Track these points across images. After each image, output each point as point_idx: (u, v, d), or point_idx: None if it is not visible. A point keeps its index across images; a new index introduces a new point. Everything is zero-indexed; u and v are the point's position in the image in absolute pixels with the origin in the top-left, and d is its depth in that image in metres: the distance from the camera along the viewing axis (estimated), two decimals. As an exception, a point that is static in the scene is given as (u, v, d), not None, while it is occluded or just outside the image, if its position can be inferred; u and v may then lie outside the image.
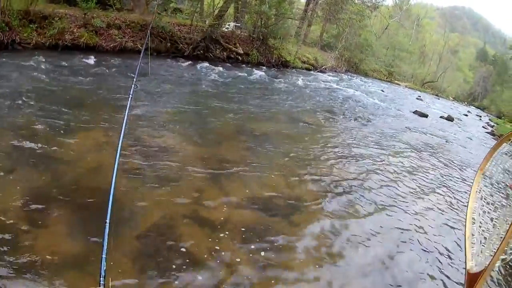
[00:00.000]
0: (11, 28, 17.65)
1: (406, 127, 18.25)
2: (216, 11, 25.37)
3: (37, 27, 18.44)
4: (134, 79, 7.22)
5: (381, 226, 6.85)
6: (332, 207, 7.10)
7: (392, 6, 71.44)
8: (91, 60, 16.72)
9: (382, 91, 35.12)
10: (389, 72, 62.11)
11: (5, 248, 4.25)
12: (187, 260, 4.70)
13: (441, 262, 6.31)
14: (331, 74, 35.79)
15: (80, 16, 19.52)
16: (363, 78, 43.77)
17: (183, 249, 4.87)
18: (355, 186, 8.43)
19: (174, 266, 4.55)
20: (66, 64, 14.91)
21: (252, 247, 5.28)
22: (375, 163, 10.60)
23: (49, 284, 3.96)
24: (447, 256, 6.56)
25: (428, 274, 5.87)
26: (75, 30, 18.92)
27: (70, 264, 4.26)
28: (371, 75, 51.45)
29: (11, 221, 4.70)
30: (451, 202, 9.44)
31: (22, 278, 3.95)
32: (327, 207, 7.06)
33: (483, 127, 33.72)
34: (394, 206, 8.04)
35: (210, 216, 5.76)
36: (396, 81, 58.21)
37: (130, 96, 6.10)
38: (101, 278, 0.96)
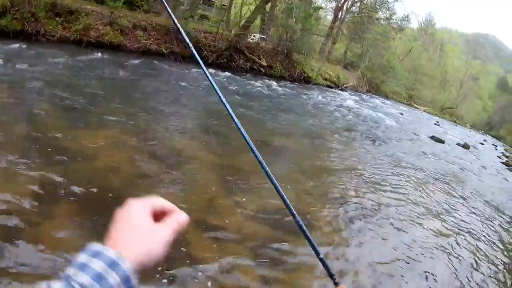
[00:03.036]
0: (36, 19, 17.56)
1: (422, 152, 18.07)
2: (243, 21, 25.26)
3: (62, 20, 18.29)
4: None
5: (381, 252, 6.62)
6: (339, 228, 6.96)
7: (417, 29, 71.54)
8: (115, 58, 16.62)
9: (401, 114, 35.03)
10: (409, 96, 61.97)
11: (12, 238, 4.18)
12: (192, 267, 4.59)
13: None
14: (352, 93, 35.70)
15: (107, 14, 19.39)
16: (383, 99, 43.78)
17: (189, 256, 4.75)
18: (365, 208, 8.24)
19: (179, 272, 4.45)
20: (89, 60, 14.87)
21: (258, 260, 5.17)
22: (388, 186, 10.38)
23: (51, 271, 3.91)
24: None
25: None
26: (100, 27, 18.76)
27: (71, 254, 4.10)
28: (391, 97, 51.35)
29: (19, 210, 4.64)
30: (458, 230, 9.23)
31: (20, 268, 3.88)
32: (336, 228, 6.93)
33: (498, 156, 33.36)
34: (401, 231, 7.85)
35: (219, 224, 5.67)
36: (415, 105, 57.92)
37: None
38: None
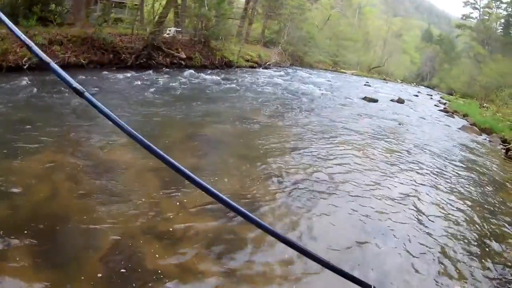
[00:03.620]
0: None
1: (357, 114, 18.41)
2: (156, 18, 25.83)
3: None
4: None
5: (338, 226, 6.62)
6: (288, 204, 7.01)
7: (332, -3, 73.32)
8: (36, 78, 16.31)
9: (329, 81, 35.94)
10: (334, 62, 63.99)
11: None
12: (152, 277, 4.50)
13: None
14: (276, 69, 36.69)
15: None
16: (308, 70, 44.48)
17: (146, 266, 4.68)
18: (312, 183, 8.19)
19: (138, 285, 4.36)
20: (11, 85, 14.51)
21: (216, 256, 5.16)
22: (330, 156, 10.39)
23: None
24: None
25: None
26: (18, 49, 18.77)
27: None
28: (316, 67, 52.99)
29: None
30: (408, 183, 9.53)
31: None
32: (284, 205, 6.95)
33: (435, 105, 34.75)
34: (351, 195, 7.96)
35: (168, 228, 5.56)
36: (342, 70, 59.91)
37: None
38: None
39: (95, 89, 15.48)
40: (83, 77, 18.03)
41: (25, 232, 4.95)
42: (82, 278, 4.30)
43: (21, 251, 4.61)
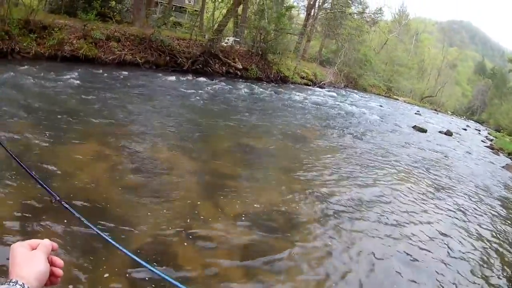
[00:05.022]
0: (10, 37, 17.61)
1: (404, 142, 17.90)
2: (216, 26, 25.36)
3: (36, 37, 18.35)
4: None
5: (375, 245, 6.50)
6: (328, 225, 6.81)
7: (391, 21, 72.06)
8: (91, 71, 16.70)
9: (381, 106, 35.03)
10: (388, 88, 62.40)
11: None
12: (180, 275, 4.55)
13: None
14: (330, 89, 35.75)
15: (80, 27, 19.45)
16: (361, 93, 43.74)
17: (176, 264, 4.75)
18: (352, 204, 8.06)
19: (165, 282, 3.89)
20: (66, 75, 14.69)
21: (249, 265, 5.09)
22: (372, 180, 10.19)
23: None
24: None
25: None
26: (74, 41, 18.84)
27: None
28: (370, 91, 51.61)
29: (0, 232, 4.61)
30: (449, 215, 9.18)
31: None
32: (323, 225, 6.77)
33: (482, 141, 33.11)
34: (392, 223, 7.72)
35: (204, 232, 5.58)
36: (394, 96, 58.40)
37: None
38: None
39: (149, 87, 15.42)
40: (138, 75, 17.99)
41: (60, 216, 4.99)
42: (110, 268, 4.34)
43: (52, 234, 4.69)
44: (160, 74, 19.62)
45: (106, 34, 19.77)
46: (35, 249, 1.10)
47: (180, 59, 22.08)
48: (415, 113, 39.27)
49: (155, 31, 20.93)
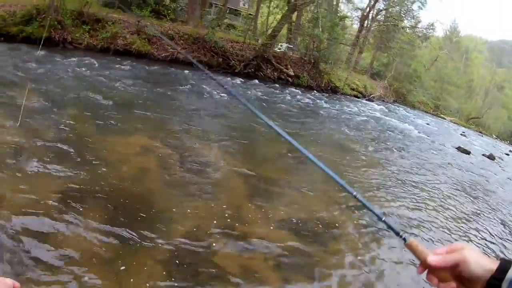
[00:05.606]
0: (63, 27, 17.75)
1: (448, 163, 17.43)
2: (270, 31, 24.93)
3: (89, 29, 18.38)
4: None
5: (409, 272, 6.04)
6: (367, 240, 6.63)
7: (442, 38, 70.39)
8: (143, 66, 16.62)
9: (428, 124, 34.24)
10: (436, 106, 60.78)
11: (37, 239, 4.24)
12: (215, 272, 4.56)
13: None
14: (378, 103, 34.93)
15: (134, 22, 19.20)
16: (409, 109, 42.72)
17: (213, 261, 4.73)
18: (392, 218, 7.99)
19: (201, 277, 4.43)
20: (118, 68, 14.94)
21: (285, 270, 5.04)
22: (413, 199, 10.01)
23: (73, 275, 3.93)
24: None
25: None
26: (127, 36, 18.62)
27: (95, 258, 4.23)
28: (418, 107, 50.24)
29: (46, 213, 4.70)
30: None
31: (49, 268, 3.92)
32: (362, 239, 6.61)
33: None
34: (429, 246, 7.10)
35: (245, 232, 5.57)
36: (441, 115, 56.70)
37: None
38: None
39: (200, 87, 15.54)
40: (189, 75, 17.91)
41: (104, 203, 5.26)
42: (149, 258, 4.44)
43: (95, 218, 4.86)
44: (213, 74, 19.06)
45: (160, 31, 19.32)
46: None
47: (233, 61, 21.54)
48: (461, 134, 38.03)
49: (209, 31, 20.46)
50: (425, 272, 1.08)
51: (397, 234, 1.17)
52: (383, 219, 1.23)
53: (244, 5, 31.80)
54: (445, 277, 1.04)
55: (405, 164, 14.03)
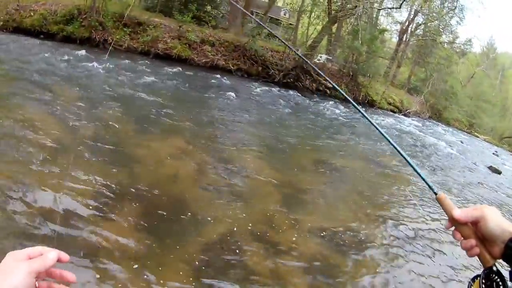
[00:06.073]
0: (104, 28, 17.98)
1: (478, 182, 16.99)
2: (309, 42, 24.67)
3: (130, 31, 18.43)
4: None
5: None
6: (395, 254, 6.51)
7: (479, 54, 69.16)
8: (183, 71, 16.61)
9: (461, 142, 33.46)
10: (470, 124, 59.55)
11: (70, 235, 4.36)
12: (244, 274, 4.63)
13: None
14: (414, 119, 34.41)
15: (175, 27, 19.07)
16: (443, 126, 41.98)
17: (242, 265, 4.81)
18: (420, 235, 7.76)
19: (229, 278, 4.46)
20: (159, 71, 15.02)
21: (314, 278, 5.04)
22: (442, 215, 9.62)
23: (105, 272, 4.01)
24: None
25: None
26: (168, 40, 18.52)
27: (126, 254, 4.34)
28: (452, 124, 49.15)
29: (79, 211, 4.83)
30: None
31: (82, 263, 4.00)
32: (390, 253, 6.53)
33: None
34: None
35: (276, 239, 5.63)
36: (475, 133, 55.40)
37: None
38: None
39: (239, 94, 15.46)
40: (229, 82, 17.79)
41: (139, 202, 5.40)
42: (179, 258, 4.50)
43: (129, 216, 5.01)
44: (251, 83, 19.11)
45: (201, 37, 19.30)
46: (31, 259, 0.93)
47: (272, 70, 21.20)
48: (493, 153, 36.91)
49: (250, 40, 20.14)
50: (452, 228, 1.17)
51: (429, 186, 1.32)
52: (418, 171, 1.40)
53: (285, 14, 31.45)
54: (468, 234, 1.12)
55: (437, 180, 13.92)
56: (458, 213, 1.13)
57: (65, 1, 19.69)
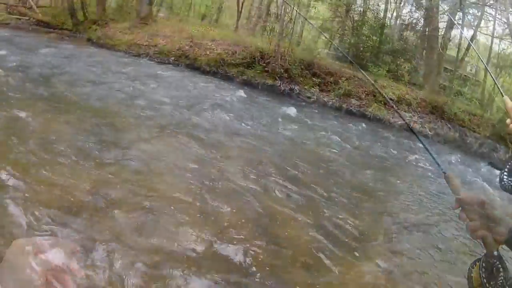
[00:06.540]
0: (290, 76, 17.21)
1: None
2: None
3: (320, 82, 17.29)
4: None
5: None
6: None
7: None
8: (376, 131, 15.31)
9: None
10: None
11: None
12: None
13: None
14: None
15: (369, 82, 17.61)
16: None
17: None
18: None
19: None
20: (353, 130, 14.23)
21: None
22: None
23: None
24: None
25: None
26: (363, 96, 17.16)
27: None
28: None
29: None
30: None
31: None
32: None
33: None
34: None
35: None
36: None
37: None
38: None
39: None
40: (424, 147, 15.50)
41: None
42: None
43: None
44: (450, 150, 16.45)
45: (398, 95, 17.67)
46: None
47: (470, 138, 18.54)
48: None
49: (449, 100, 17.97)
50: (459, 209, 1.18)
51: (438, 165, 1.41)
52: (427, 147, 1.53)
53: (471, 70, 28.61)
54: (474, 216, 1.13)
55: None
56: (466, 194, 1.17)
57: (245, 41, 19.30)
